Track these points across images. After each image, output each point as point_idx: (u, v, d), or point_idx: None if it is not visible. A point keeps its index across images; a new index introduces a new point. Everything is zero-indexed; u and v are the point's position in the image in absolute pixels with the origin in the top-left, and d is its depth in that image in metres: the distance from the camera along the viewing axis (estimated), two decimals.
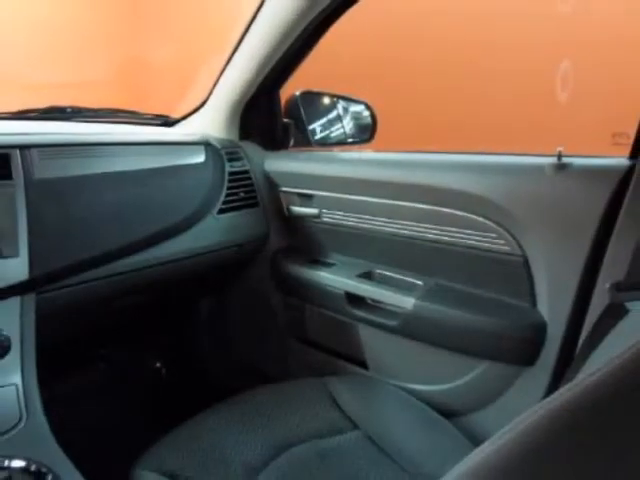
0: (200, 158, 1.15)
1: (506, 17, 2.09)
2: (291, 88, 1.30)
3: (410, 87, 2.32)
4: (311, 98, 1.33)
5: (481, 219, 0.95)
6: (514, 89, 2.09)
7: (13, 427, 0.77)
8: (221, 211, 1.15)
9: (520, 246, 0.91)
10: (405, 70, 2.33)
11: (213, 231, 1.13)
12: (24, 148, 0.88)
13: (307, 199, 1.22)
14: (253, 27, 1.14)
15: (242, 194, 1.21)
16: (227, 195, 1.16)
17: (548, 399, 0.29)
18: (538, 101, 2.05)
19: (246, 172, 1.23)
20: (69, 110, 1.25)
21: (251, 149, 1.29)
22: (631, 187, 0.79)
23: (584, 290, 0.85)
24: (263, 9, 1.11)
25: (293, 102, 1.31)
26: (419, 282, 1.06)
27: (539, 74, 2.04)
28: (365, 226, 1.12)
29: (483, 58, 2.15)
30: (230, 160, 1.20)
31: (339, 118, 1.35)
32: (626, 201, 0.79)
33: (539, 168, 0.88)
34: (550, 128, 1.81)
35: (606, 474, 0.27)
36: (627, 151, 0.84)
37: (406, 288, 1.06)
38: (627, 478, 0.27)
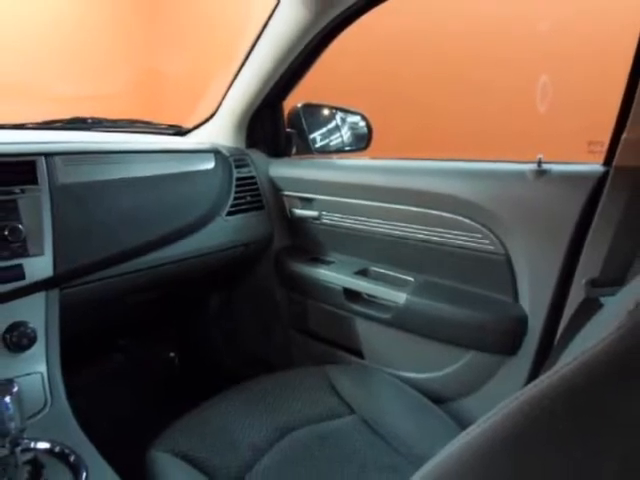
0: (210, 165, 1.15)
1: (492, 35, 2.09)
2: (293, 100, 1.30)
3: (404, 99, 2.32)
4: (312, 110, 1.33)
5: (467, 221, 0.95)
6: (500, 101, 2.09)
7: (39, 412, 0.77)
8: (229, 213, 1.14)
9: (503, 245, 0.91)
10: (399, 83, 2.33)
11: (222, 232, 1.13)
12: (49, 156, 0.88)
13: (308, 202, 1.22)
14: (259, 44, 1.15)
15: (249, 198, 1.21)
16: (235, 199, 1.16)
17: (529, 386, 0.29)
18: (521, 112, 2.05)
19: (252, 178, 1.23)
20: (90, 121, 1.25)
21: (257, 156, 1.28)
22: (605, 191, 0.79)
23: (562, 286, 0.85)
24: (268, 28, 1.11)
25: (295, 113, 1.31)
26: (410, 279, 1.06)
27: (522, 87, 2.04)
28: (361, 227, 1.12)
29: (471, 72, 2.14)
30: (237, 167, 1.20)
31: (337, 128, 1.35)
32: (600, 204, 0.79)
33: (521, 174, 0.88)
34: (532, 137, 1.81)
35: (580, 454, 0.27)
36: (601, 158, 0.84)
37: (399, 284, 1.06)
38: (599, 458, 0.27)
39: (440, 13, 2.24)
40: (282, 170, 1.27)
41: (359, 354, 1.16)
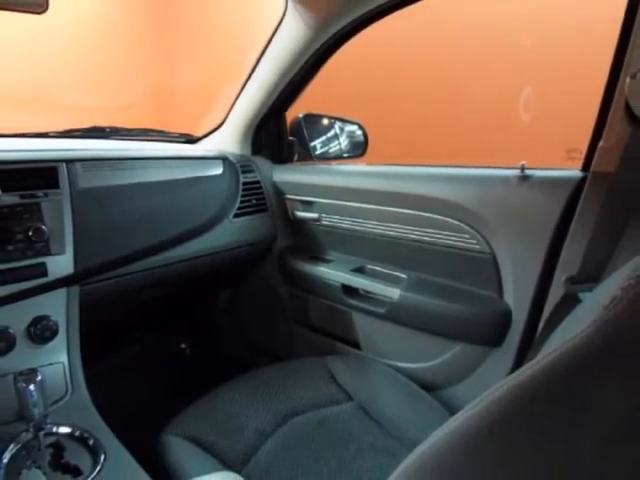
0: (218, 170, 1.15)
1: (480, 50, 2.09)
2: (295, 111, 1.31)
3: (398, 110, 2.32)
4: (312, 119, 1.33)
5: (456, 222, 0.95)
6: (488, 112, 2.09)
7: (60, 399, 0.77)
8: (236, 215, 1.14)
9: (489, 245, 0.91)
10: (394, 96, 2.33)
11: (229, 232, 1.13)
12: (69, 162, 0.88)
13: (309, 205, 1.22)
14: (263, 59, 1.15)
15: (254, 201, 1.21)
16: (241, 202, 1.16)
17: (513, 375, 0.30)
18: (506, 122, 2.05)
19: (257, 182, 1.23)
20: (108, 129, 1.25)
21: (261, 163, 1.29)
22: (583, 195, 0.79)
23: (543, 282, 0.85)
24: (272, 44, 1.12)
25: (297, 123, 1.31)
26: (404, 276, 1.06)
27: (508, 99, 2.04)
28: (358, 228, 1.12)
29: (461, 84, 2.15)
30: (244, 172, 1.20)
31: (336, 136, 1.35)
32: (579, 207, 0.79)
33: (505, 179, 0.88)
34: (516, 144, 1.81)
35: (561, 437, 0.27)
36: (580, 164, 0.84)
37: (393, 281, 1.07)
38: (579, 440, 0.27)
39: (433, 28, 2.24)
40: (285, 175, 1.27)
41: (356, 345, 1.16)
